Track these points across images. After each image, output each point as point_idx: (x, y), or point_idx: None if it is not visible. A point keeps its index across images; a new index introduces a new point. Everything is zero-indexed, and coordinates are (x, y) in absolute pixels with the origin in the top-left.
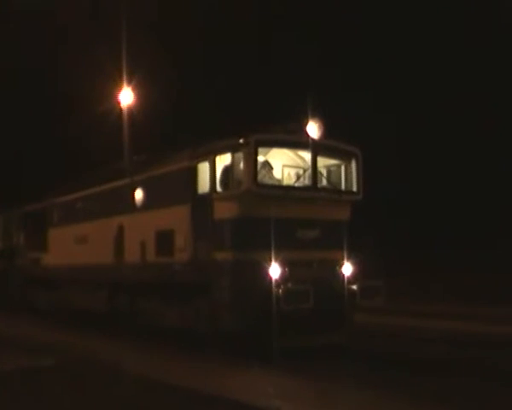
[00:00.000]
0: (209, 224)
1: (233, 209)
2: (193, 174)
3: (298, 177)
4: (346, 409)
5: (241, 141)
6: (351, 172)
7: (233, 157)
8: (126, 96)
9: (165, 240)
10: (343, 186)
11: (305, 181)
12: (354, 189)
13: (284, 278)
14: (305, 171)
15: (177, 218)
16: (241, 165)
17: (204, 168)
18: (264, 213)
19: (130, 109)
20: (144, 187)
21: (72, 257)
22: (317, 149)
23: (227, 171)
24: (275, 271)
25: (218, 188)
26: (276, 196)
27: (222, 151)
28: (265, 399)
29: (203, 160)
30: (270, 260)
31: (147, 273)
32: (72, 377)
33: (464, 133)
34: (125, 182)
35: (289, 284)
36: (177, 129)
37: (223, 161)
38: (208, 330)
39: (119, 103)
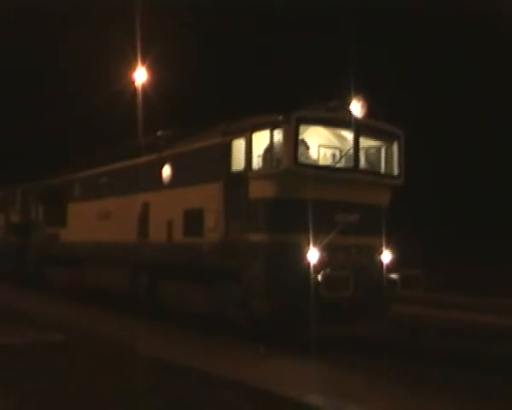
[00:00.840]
0: (243, 203)
1: (270, 189)
2: (226, 151)
3: (339, 157)
4: (385, 405)
5: (281, 118)
6: (392, 155)
7: (272, 134)
8: (140, 75)
9: (194, 219)
10: (382, 169)
11: (346, 162)
12: (395, 172)
13: (323, 264)
14: (345, 151)
15: (207, 196)
16: (281, 143)
17: (239, 145)
18: (303, 194)
19: (144, 88)
20: (173, 163)
21: (93, 234)
22: (359, 128)
23: (265, 148)
24: (313, 255)
25: (255, 166)
26: (316, 177)
27: (260, 128)
28: (296, 389)
29: (238, 136)
30: (308, 244)
31: (173, 254)
32: (80, 354)
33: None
34: (152, 158)
35: (329, 270)
36: (192, 109)
37: (260, 138)
38: (238, 316)
39: (133, 82)
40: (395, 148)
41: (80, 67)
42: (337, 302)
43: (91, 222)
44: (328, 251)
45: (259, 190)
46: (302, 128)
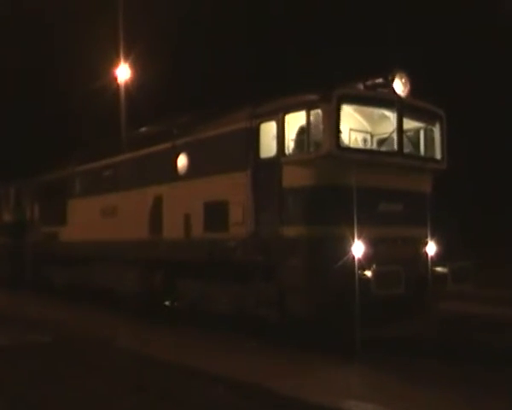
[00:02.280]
0: (275, 193)
1: (308, 176)
2: (254, 136)
3: (384, 140)
4: None
5: (319, 96)
6: (433, 137)
7: (308, 115)
8: (123, 72)
9: (216, 213)
10: (425, 153)
11: (389, 146)
12: (438, 156)
13: (369, 258)
14: (388, 134)
15: (232, 186)
16: (320, 124)
17: (268, 129)
18: (346, 180)
19: (127, 85)
20: (189, 152)
21: (97, 231)
22: (403, 108)
23: (300, 131)
24: (358, 249)
25: (288, 151)
26: (359, 162)
27: (293, 109)
28: (331, 396)
29: (267, 119)
30: (352, 237)
31: (192, 251)
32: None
33: None
34: (165, 147)
35: (379, 265)
36: (175, 104)
37: (294, 120)
38: (270, 316)
39: (115, 79)
40: (437, 129)
41: (60, 63)
42: (387, 300)
43: (95, 219)
44: (374, 244)
45: (295, 178)
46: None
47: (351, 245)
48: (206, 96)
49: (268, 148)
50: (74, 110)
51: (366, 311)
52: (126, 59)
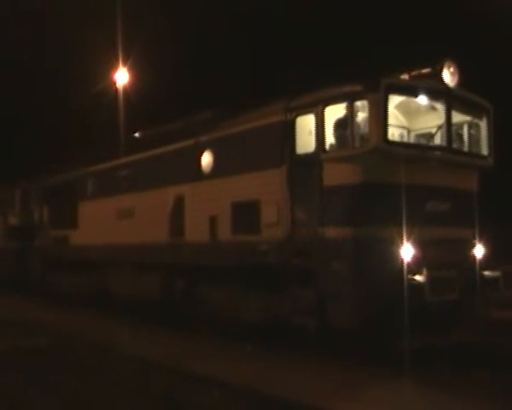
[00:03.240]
0: (315, 191)
1: (353, 173)
2: (289, 131)
3: (434, 133)
4: None
5: (365, 86)
6: (479, 132)
7: (352, 107)
8: (122, 76)
9: (246, 214)
10: (469, 148)
11: (437, 141)
12: (485, 152)
13: (419, 262)
14: (438, 127)
15: (265, 185)
16: (366, 117)
17: (305, 122)
18: (394, 178)
19: (126, 89)
20: (215, 149)
21: (112, 235)
22: (452, 99)
23: (342, 125)
24: (407, 252)
25: (329, 147)
26: (408, 158)
27: (335, 100)
28: None
29: (305, 112)
30: (401, 239)
31: (218, 255)
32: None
33: None
34: (187, 144)
35: (431, 270)
36: (173, 108)
37: (335, 112)
38: (308, 327)
39: (114, 83)
40: (484, 123)
41: (59, 67)
42: (441, 308)
43: (109, 222)
44: (423, 246)
45: (337, 175)
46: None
47: (399, 248)
48: (207, 99)
49: (306, 143)
50: (73, 113)
51: (418, 319)
52: (125, 63)
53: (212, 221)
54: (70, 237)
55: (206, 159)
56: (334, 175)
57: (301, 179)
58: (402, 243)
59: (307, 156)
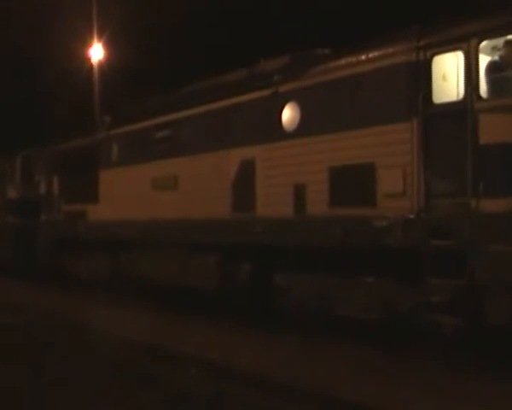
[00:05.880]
0: (463, 152)
1: None
2: (422, 74)
3: None
4: None
5: None
6: None
7: None
8: (96, 52)
9: (353, 181)
10: None
11: None
12: None
13: None
14: None
15: (383, 144)
16: None
17: (446, 63)
18: None
19: (101, 66)
20: (303, 101)
21: (147, 209)
22: None
23: (502, 66)
24: None
25: (485, 94)
26: None
27: (493, 33)
28: None
29: (447, 49)
30: None
31: (308, 233)
32: None
33: None
34: (260, 95)
35: None
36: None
37: (492, 49)
38: (448, 325)
39: (89, 60)
40: None
41: (32, 43)
42: None
43: (142, 193)
44: None
45: (501, 130)
46: None
47: None
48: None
49: (446, 90)
50: (47, 89)
51: None
52: (100, 38)
53: (299, 191)
54: (89, 212)
55: (290, 114)
56: (496, 130)
57: (442, 136)
58: None
59: (451, 107)
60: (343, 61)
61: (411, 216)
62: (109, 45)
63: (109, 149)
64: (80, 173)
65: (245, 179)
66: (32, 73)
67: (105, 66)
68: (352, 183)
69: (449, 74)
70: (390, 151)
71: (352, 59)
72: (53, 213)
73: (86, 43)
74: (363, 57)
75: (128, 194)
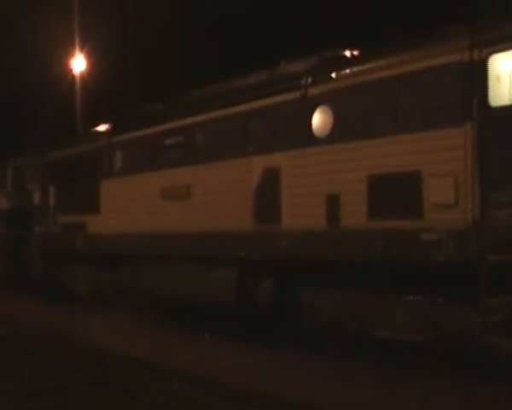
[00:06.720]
0: None
1: None
2: (478, 75)
3: None
4: None
5: None
6: None
7: None
8: (79, 63)
9: (396, 190)
10: None
11: None
12: None
13: None
14: None
15: (432, 150)
16: None
17: (505, 63)
18: None
19: (83, 76)
20: (337, 104)
21: (156, 221)
22: None
23: None
24: None
25: None
26: None
27: None
28: None
29: (505, 48)
30: None
31: (343, 247)
32: None
33: None
34: (287, 99)
35: None
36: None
37: None
38: (505, 348)
39: (71, 70)
40: None
41: (14, 53)
42: None
43: (150, 204)
44: None
45: None
46: None
47: None
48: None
49: (506, 92)
50: (27, 99)
51: None
52: (82, 49)
53: (332, 202)
54: (89, 224)
55: (321, 118)
56: None
57: (500, 142)
58: None
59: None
60: (383, 62)
61: (464, 228)
62: (91, 56)
63: (112, 157)
64: (79, 183)
65: (268, 189)
66: (10, 82)
67: (86, 77)
68: (395, 192)
69: (503, 75)
70: (439, 158)
71: (394, 59)
72: (48, 225)
73: (68, 53)
74: (407, 57)
75: (134, 204)
